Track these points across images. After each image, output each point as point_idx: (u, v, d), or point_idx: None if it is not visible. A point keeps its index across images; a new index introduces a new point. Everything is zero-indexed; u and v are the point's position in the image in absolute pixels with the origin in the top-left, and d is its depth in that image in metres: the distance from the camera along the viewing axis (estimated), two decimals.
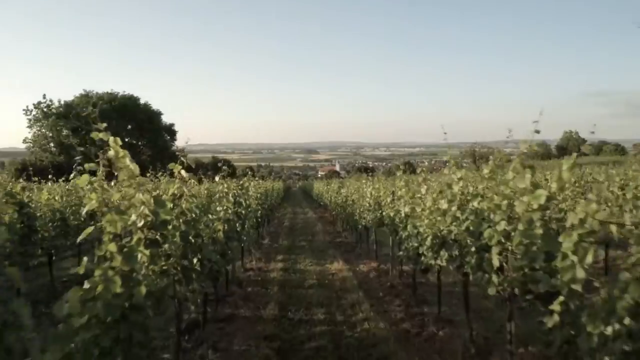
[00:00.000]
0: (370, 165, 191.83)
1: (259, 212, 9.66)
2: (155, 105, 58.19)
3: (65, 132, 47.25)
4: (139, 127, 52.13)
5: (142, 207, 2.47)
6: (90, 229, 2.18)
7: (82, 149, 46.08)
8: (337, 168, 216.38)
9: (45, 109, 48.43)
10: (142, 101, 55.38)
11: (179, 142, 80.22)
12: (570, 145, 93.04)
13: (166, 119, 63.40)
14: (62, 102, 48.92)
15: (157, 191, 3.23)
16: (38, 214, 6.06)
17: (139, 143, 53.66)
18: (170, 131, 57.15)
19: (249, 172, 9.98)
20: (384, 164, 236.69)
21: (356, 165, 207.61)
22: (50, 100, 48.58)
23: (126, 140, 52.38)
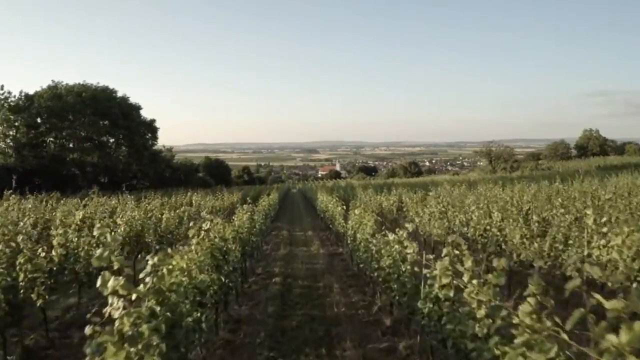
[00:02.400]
0: (372, 165, 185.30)
1: (202, 314, 2.68)
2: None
3: (23, 129, 39.93)
4: (112, 123, 44.79)
5: None
6: None
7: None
8: (338, 168, 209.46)
9: (3, 102, 41.04)
10: (120, 94, 48.18)
11: (164, 141, 72.97)
12: (590, 145, 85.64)
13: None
14: (23, 94, 41.59)
15: None
16: None
17: (111, 141, 46.42)
18: (151, 128, 49.78)
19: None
20: (385, 163, 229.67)
21: (357, 164, 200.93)
22: (9, 92, 41.19)
23: (95, 138, 45.10)
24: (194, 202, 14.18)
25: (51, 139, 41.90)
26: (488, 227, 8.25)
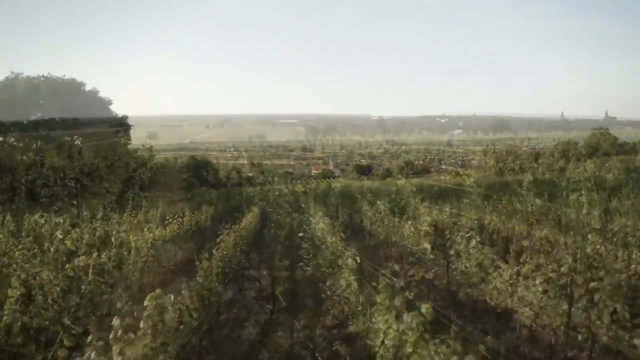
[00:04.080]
0: (366, 164, 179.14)
1: None
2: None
3: None
4: (77, 120, 38.66)
5: None
6: None
7: None
8: (331, 167, 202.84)
9: None
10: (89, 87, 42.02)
11: (140, 140, 66.30)
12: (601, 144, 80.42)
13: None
14: None
15: None
16: None
17: (80, 139, 40.26)
18: (123, 125, 43.45)
19: None
20: (378, 161, 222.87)
21: (350, 163, 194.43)
22: None
23: (54, 136, 38.90)
24: (113, 239, 7.75)
25: None
26: None
